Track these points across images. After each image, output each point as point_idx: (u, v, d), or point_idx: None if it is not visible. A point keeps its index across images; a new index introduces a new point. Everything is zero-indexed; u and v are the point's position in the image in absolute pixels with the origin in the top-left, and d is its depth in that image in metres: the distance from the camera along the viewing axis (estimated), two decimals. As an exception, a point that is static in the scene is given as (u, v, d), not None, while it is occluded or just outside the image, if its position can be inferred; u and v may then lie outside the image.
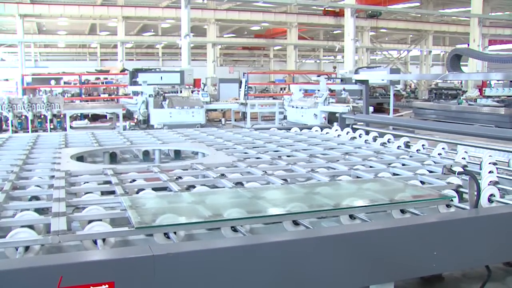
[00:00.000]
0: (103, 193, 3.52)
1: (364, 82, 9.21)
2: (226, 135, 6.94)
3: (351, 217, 3.02)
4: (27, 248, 2.47)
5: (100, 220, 2.73)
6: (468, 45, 28.72)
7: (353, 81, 13.69)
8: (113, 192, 3.38)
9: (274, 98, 23.34)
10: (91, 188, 3.64)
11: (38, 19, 34.32)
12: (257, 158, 4.91)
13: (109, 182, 3.73)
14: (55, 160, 4.75)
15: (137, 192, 3.49)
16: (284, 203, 3.17)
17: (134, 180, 3.86)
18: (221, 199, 3.32)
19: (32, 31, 37.83)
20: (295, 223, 2.88)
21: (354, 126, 7.56)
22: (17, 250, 2.46)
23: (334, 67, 37.95)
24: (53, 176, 3.90)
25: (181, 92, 17.98)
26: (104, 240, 2.56)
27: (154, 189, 3.59)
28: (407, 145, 5.59)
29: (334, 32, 40.89)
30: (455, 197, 3.44)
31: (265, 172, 4.08)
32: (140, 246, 2.56)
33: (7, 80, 26.79)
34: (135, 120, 15.71)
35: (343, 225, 2.98)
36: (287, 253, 2.52)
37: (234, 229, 2.77)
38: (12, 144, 6.01)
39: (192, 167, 4.36)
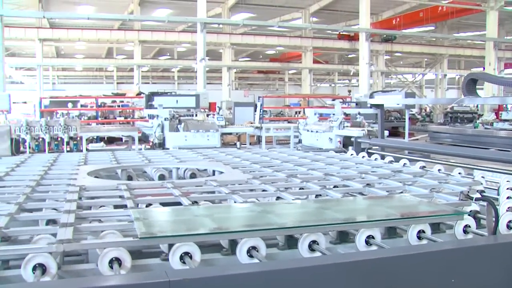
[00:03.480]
0: (116, 207, 3.56)
1: (379, 106, 9.22)
2: (244, 154, 6.97)
3: (367, 243, 3.00)
4: (43, 272, 2.49)
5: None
6: (484, 68, 28.71)
7: (368, 105, 13.68)
8: (125, 206, 3.42)
9: (289, 122, 23.43)
10: (102, 202, 3.69)
11: (56, 43, 35.10)
12: (273, 176, 4.93)
13: (122, 197, 3.78)
14: (72, 176, 4.85)
15: (147, 206, 3.53)
16: (295, 217, 3.16)
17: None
18: (230, 212, 3.33)
19: (50, 55, 38.63)
20: (311, 249, 2.87)
21: (369, 151, 7.52)
22: (34, 273, 2.48)
23: (349, 91, 38.12)
24: (67, 191, 3.97)
25: (196, 115, 18.14)
26: (120, 264, 2.57)
27: (167, 203, 3.61)
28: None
29: (349, 56, 41.16)
30: (467, 213, 3.41)
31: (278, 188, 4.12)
32: (156, 271, 2.57)
33: (25, 102, 27.27)
34: (151, 143, 15.82)
35: (360, 252, 2.96)
36: (303, 279, 2.50)
37: (250, 255, 2.76)
38: (33, 161, 6.22)
39: (206, 183, 4.39)
